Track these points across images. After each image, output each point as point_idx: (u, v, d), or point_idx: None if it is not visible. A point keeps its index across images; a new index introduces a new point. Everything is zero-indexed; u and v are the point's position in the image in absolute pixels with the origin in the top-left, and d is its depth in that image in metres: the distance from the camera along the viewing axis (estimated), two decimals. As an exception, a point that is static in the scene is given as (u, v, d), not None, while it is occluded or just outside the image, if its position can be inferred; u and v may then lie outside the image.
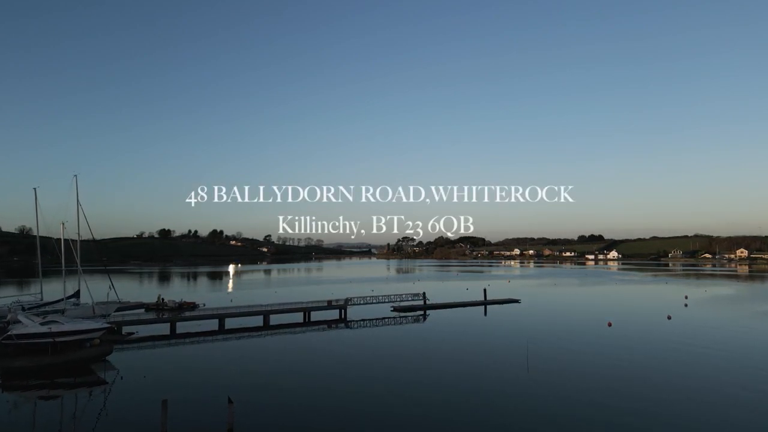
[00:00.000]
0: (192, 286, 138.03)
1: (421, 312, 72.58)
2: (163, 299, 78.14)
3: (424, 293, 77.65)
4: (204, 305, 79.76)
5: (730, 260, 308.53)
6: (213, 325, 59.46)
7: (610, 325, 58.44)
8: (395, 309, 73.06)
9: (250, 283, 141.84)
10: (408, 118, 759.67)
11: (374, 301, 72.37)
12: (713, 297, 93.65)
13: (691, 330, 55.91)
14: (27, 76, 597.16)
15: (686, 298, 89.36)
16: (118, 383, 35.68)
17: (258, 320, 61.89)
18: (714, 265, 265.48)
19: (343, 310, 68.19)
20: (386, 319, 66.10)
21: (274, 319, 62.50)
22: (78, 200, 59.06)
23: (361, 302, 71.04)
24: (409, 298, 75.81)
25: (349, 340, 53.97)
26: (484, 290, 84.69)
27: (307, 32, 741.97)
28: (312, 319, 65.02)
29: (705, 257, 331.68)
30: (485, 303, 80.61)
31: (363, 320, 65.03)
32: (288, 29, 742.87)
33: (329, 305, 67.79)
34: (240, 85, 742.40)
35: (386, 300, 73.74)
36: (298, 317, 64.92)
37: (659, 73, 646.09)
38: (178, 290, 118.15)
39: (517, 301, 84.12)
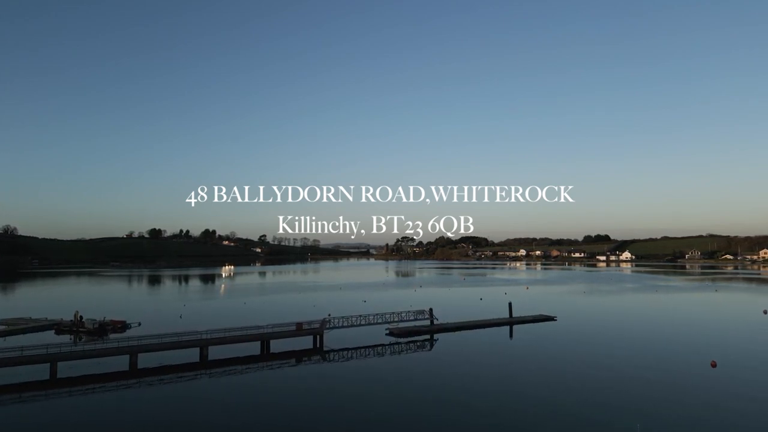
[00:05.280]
0: (150, 293, 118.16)
1: (427, 336, 53.26)
2: (81, 317, 58.20)
3: (430, 310, 58.13)
4: (139, 324, 60.63)
5: (753, 261, 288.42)
6: (122, 363, 40.03)
7: (714, 365, 38.88)
8: (392, 332, 53.57)
9: (222, 290, 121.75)
10: (408, 118, 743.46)
11: (363, 322, 52.35)
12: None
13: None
14: (27, 76, 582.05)
15: (766, 313, 69.72)
16: None
17: (193, 354, 42.69)
18: (736, 267, 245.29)
19: (318, 336, 48.64)
20: (378, 349, 47.01)
21: (217, 352, 43.41)
22: None
23: (345, 324, 51.13)
24: (411, 317, 56.01)
25: (323, 383, 35.46)
26: (509, 304, 64.68)
27: (307, 32, 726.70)
28: (273, 350, 45.79)
29: (726, 258, 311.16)
30: (511, 322, 60.96)
31: (345, 350, 46.22)
32: (288, 29, 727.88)
33: (299, 330, 48.15)
34: (240, 85, 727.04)
35: (380, 320, 53.91)
36: (255, 348, 45.76)
37: (660, 73, 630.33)
38: (125, 299, 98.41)
39: (552, 318, 64.21)
